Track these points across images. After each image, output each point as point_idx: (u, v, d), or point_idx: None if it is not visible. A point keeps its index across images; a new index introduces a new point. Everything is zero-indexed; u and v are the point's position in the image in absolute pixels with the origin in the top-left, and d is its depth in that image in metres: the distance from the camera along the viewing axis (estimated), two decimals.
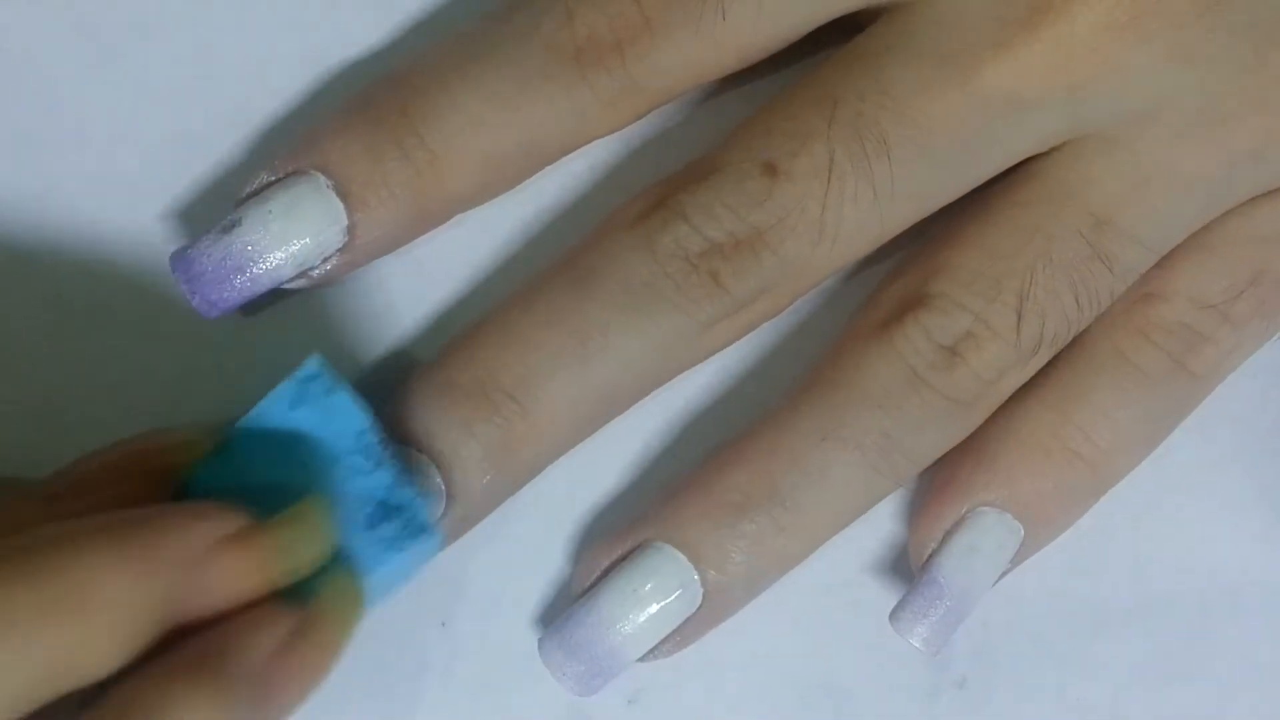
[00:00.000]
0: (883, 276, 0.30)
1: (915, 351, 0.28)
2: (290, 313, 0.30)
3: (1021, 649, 0.31)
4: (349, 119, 0.28)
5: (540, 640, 0.29)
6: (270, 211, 0.27)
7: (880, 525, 0.31)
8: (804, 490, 0.28)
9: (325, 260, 0.28)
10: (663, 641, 0.28)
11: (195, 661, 0.23)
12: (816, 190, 0.27)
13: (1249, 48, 0.28)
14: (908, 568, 0.30)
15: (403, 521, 0.26)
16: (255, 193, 0.28)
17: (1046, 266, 0.28)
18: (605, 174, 0.31)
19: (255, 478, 0.26)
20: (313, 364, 0.26)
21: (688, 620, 0.28)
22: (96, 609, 0.22)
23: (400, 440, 0.27)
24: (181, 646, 0.23)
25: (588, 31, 0.27)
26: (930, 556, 0.29)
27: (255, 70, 0.30)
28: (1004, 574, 0.29)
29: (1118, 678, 0.31)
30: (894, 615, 0.29)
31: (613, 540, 0.29)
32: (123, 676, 0.22)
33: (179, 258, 0.27)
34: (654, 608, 0.28)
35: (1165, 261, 0.29)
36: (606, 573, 0.29)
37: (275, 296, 0.28)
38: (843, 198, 0.27)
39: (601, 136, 0.29)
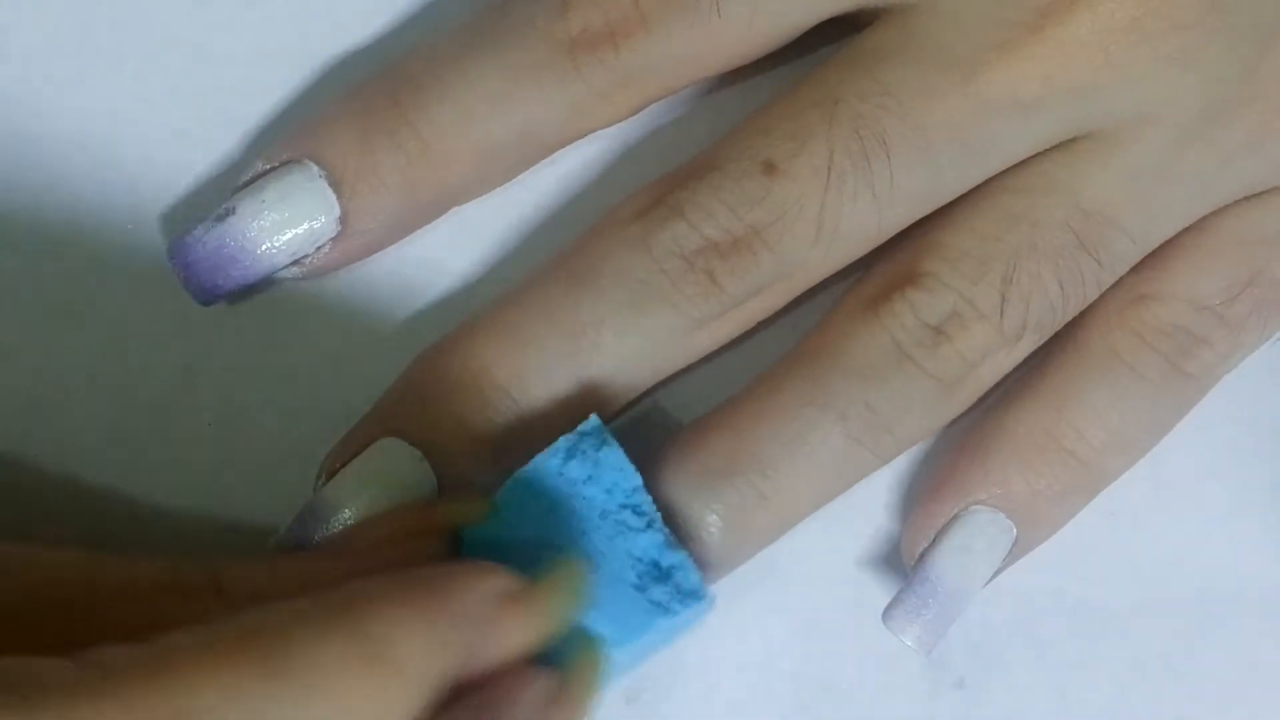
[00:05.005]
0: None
1: (902, 327, 0.28)
2: (290, 309, 0.30)
3: (1021, 649, 0.31)
4: (342, 109, 0.28)
5: None
6: (264, 200, 0.28)
7: (882, 526, 0.31)
8: (785, 456, 0.28)
9: (319, 249, 0.28)
10: None
11: None
12: (815, 190, 0.27)
13: (1250, 49, 0.28)
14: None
15: (674, 585, 0.26)
16: (250, 181, 0.28)
17: (1031, 252, 0.28)
18: (603, 171, 0.31)
19: (526, 534, 0.26)
20: (591, 422, 0.27)
21: None
22: (400, 663, 0.22)
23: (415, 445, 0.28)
24: (457, 707, 0.23)
25: (582, 24, 0.27)
26: (923, 555, 0.29)
27: (254, 68, 0.30)
28: (997, 573, 0.29)
29: (1118, 678, 0.31)
30: (887, 614, 0.29)
31: None
32: None
33: (175, 246, 0.28)
34: None
35: (1162, 263, 0.29)
36: None
37: (273, 288, 0.29)
38: (841, 197, 0.27)
39: (596, 129, 0.29)
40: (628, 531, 0.26)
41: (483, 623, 0.24)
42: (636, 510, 0.26)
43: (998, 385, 0.29)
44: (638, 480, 0.27)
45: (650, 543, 0.26)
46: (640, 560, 0.26)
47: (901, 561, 0.30)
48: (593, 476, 0.26)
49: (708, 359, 0.29)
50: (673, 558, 0.26)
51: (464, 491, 0.27)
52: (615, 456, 0.27)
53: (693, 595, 0.26)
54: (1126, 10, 0.27)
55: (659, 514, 0.27)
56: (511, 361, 0.28)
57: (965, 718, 0.31)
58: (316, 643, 0.22)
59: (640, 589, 0.26)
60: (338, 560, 0.26)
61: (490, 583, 0.24)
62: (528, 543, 0.26)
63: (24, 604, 0.24)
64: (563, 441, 0.27)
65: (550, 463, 0.26)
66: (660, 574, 0.26)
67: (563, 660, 0.25)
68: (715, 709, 0.30)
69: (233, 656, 0.21)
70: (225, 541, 0.30)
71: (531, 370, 0.28)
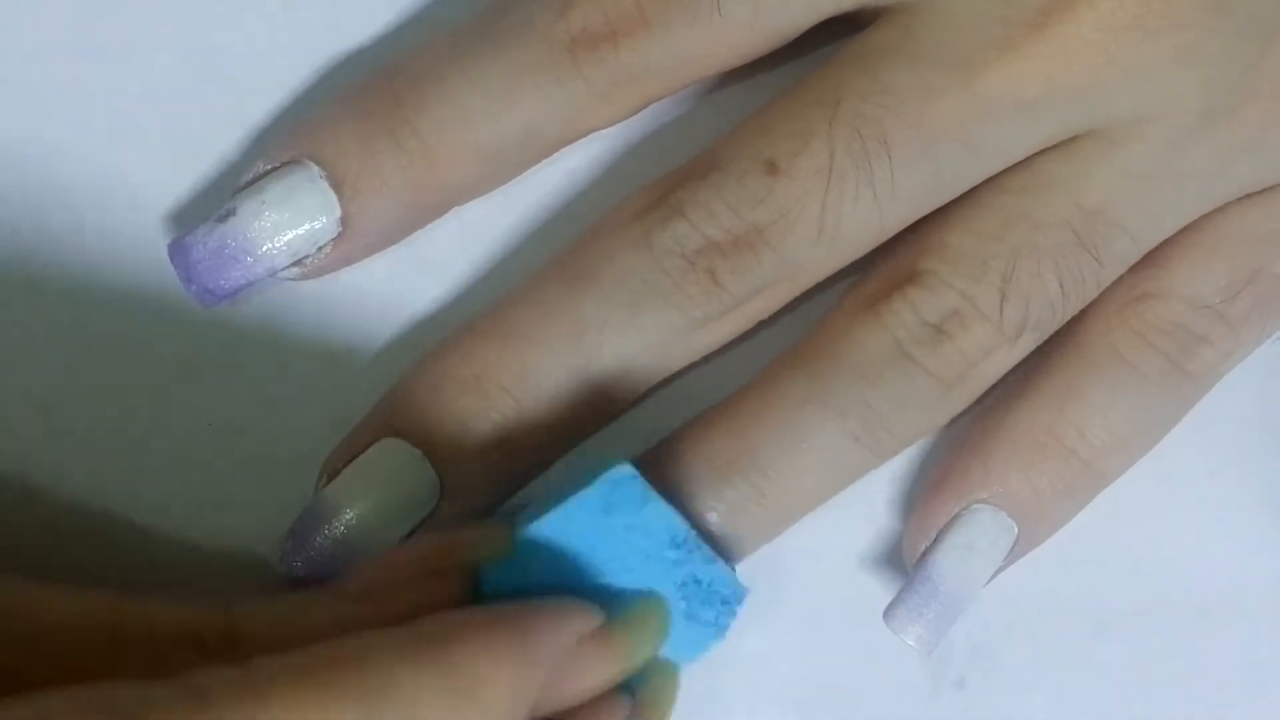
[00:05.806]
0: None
1: (902, 326, 0.28)
2: (290, 309, 0.30)
3: (1021, 649, 0.31)
4: (343, 109, 0.28)
5: None
6: (264, 201, 0.27)
7: (883, 525, 0.31)
8: (784, 455, 0.28)
9: (320, 250, 0.28)
10: None
11: None
12: (817, 189, 0.27)
13: (1251, 47, 0.28)
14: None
15: (718, 597, 0.27)
16: (251, 182, 0.28)
17: (1031, 251, 0.28)
18: (604, 171, 0.31)
19: (553, 576, 0.26)
20: (624, 470, 0.26)
21: None
22: (486, 701, 0.23)
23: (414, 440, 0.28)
24: None
25: (583, 23, 0.27)
26: (924, 554, 0.29)
27: (255, 68, 0.30)
28: (998, 572, 0.29)
29: (1118, 678, 0.31)
30: (888, 613, 0.29)
31: None
32: None
33: (176, 247, 0.28)
34: None
35: (1162, 261, 0.29)
36: None
37: (274, 288, 0.29)
38: (843, 197, 0.27)
39: (597, 129, 0.29)
40: (673, 566, 0.26)
41: (565, 661, 0.24)
42: (676, 543, 0.26)
43: (998, 384, 0.29)
44: (678, 519, 0.26)
45: (692, 566, 0.26)
46: (685, 585, 0.26)
47: (903, 560, 0.30)
48: (634, 525, 0.26)
49: (708, 359, 0.29)
50: (709, 571, 0.26)
51: (483, 523, 0.27)
52: (659, 509, 0.26)
53: (735, 600, 0.27)
54: (1128, 9, 0.27)
55: (696, 536, 0.26)
56: (513, 362, 0.28)
57: (965, 718, 0.31)
58: (409, 675, 0.22)
59: (691, 615, 0.27)
60: (358, 604, 0.25)
61: (575, 622, 0.25)
62: (556, 585, 0.26)
63: (46, 645, 0.24)
64: (596, 491, 0.26)
65: (583, 512, 0.26)
66: (704, 592, 0.26)
67: (637, 686, 0.26)
68: (715, 708, 0.30)
69: (329, 684, 0.21)
70: (225, 542, 0.30)
71: (533, 371, 0.28)
